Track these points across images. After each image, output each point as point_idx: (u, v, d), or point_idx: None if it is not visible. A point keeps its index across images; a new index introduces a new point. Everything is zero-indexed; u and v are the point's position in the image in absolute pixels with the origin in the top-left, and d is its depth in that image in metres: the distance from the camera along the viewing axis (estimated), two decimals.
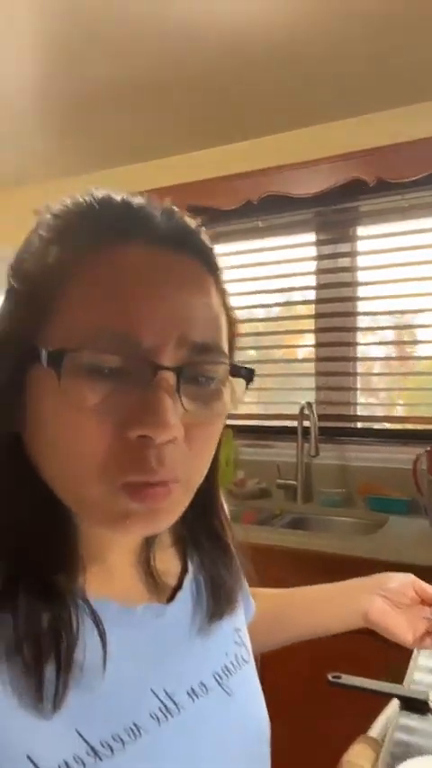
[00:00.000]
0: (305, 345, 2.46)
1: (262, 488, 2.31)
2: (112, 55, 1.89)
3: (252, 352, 2.54)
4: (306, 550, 1.67)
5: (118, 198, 0.46)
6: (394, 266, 2.25)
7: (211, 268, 0.48)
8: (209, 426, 0.46)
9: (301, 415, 2.25)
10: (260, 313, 2.56)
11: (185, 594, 0.56)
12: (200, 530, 0.58)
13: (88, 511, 0.44)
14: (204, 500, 0.54)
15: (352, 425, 2.34)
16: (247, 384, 0.48)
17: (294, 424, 2.28)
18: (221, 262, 0.49)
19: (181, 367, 0.42)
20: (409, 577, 0.76)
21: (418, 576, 0.77)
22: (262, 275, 2.49)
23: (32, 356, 0.42)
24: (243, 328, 2.53)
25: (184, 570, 0.58)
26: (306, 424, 2.23)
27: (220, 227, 2.52)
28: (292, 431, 2.30)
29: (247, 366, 0.48)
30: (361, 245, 2.36)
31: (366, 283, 2.34)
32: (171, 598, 0.54)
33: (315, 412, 2.19)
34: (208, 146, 2.54)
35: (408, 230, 2.24)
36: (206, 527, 0.59)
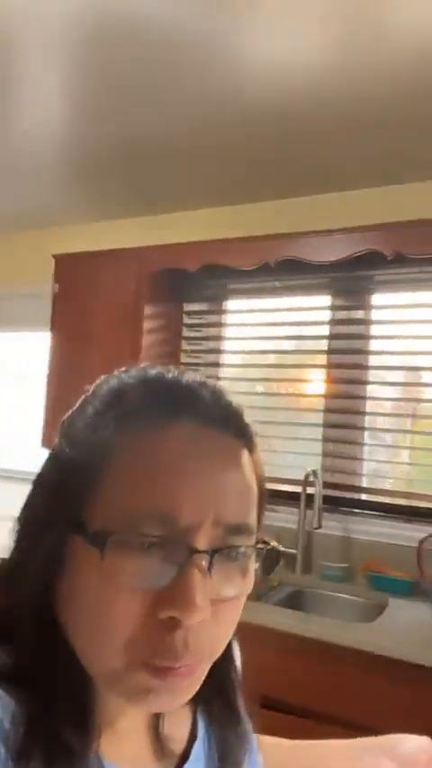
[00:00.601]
0: (314, 410, 2.42)
1: None
2: (136, 111, 1.92)
3: (259, 410, 2.49)
4: (302, 636, 1.61)
5: (168, 376, 0.49)
6: (409, 338, 2.23)
7: (248, 443, 0.49)
8: (235, 601, 0.47)
9: (305, 482, 2.20)
10: (271, 372, 2.54)
11: (193, 765, 0.54)
12: (211, 690, 0.57)
13: (109, 681, 0.45)
14: (218, 660, 0.53)
15: (357, 496, 2.28)
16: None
17: (298, 489, 2.23)
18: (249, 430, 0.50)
19: (215, 549, 0.43)
20: (425, 742, 0.70)
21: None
22: (275, 335, 2.48)
23: (75, 528, 0.43)
24: (253, 387, 2.51)
25: (193, 735, 0.56)
26: (310, 490, 2.18)
27: (237, 283, 2.52)
28: (295, 496, 2.25)
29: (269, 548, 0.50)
30: (375, 314, 2.34)
31: (379, 352, 2.32)
32: (179, 766, 0.53)
33: (321, 480, 2.14)
34: (228, 203, 2.56)
35: (425, 303, 2.22)
36: (217, 687, 0.57)
